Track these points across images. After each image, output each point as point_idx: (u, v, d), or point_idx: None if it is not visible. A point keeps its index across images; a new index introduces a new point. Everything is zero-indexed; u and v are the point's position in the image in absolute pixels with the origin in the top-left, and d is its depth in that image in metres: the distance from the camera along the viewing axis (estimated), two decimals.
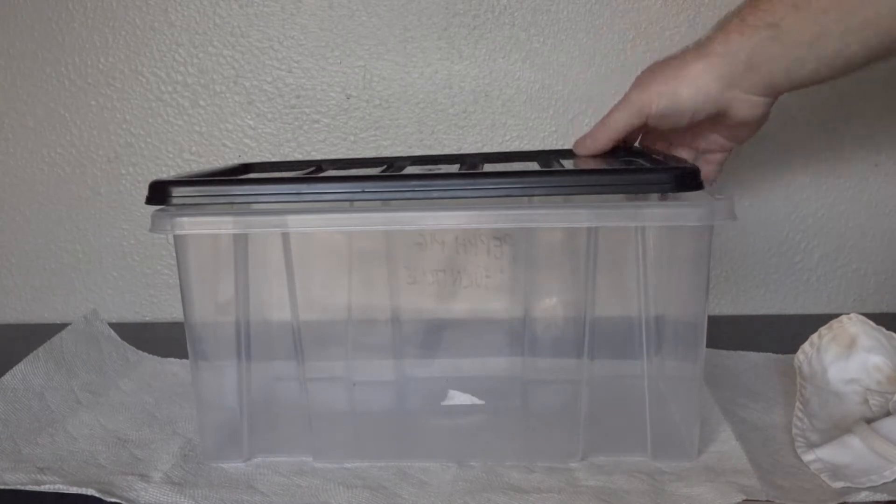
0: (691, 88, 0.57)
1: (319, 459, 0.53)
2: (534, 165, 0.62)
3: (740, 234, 0.82)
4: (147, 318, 0.87)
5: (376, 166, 0.63)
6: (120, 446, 0.56)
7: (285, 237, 0.52)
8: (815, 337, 0.58)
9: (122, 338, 0.73)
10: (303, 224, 0.49)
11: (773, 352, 0.69)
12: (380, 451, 0.54)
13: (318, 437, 0.54)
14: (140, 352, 0.72)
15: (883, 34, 0.53)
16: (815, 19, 0.54)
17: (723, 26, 0.57)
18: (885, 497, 0.46)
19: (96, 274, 0.86)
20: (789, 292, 0.84)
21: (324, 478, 0.51)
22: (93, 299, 0.86)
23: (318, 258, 0.58)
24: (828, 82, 0.58)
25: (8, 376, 0.62)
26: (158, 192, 0.50)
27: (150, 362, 0.71)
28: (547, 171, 0.51)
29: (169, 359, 0.72)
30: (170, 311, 0.86)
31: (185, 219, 0.49)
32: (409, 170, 0.59)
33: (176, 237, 0.51)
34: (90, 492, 0.49)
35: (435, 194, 0.48)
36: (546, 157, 0.65)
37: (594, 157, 0.62)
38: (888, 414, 0.52)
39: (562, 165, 0.59)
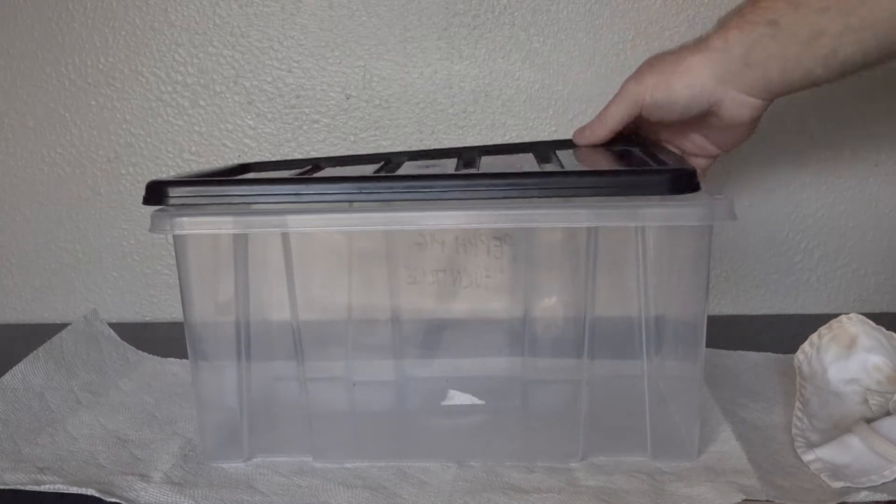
0: (686, 81, 0.57)
1: (319, 459, 0.53)
2: (530, 157, 0.62)
3: (740, 234, 0.82)
4: (147, 318, 0.87)
5: (374, 163, 0.63)
6: (120, 446, 0.56)
7: (285, 237, 0.52)
8: (814, 337, 0.58)
9: (122, 338, 0.72)
10: (303, 224, 0.49)
11: (773, 352, 0.69)
12: (380, 451, 0.54)
13: (318, 437, 0.54)
14: (140, 352, 0.72)
15: (880, 36, 0.53)
16: (814, 18, 0.54)
17: (723, 24, 0.57)
18: (885, 497, 0.46)
19: (96, 274, 0.86)
20: (789, 292, 0.84)
21: (324, 478, 0.51)
22: (93, 299, 0.86)
23: (318, 258, 0.58)
24: (825, 86, 0.58)
25: (8, 376, 0.62)
26: (156, 193, 0.50)
27: (150, 362, 0.71)
28: (545, 173, 0.51)
29: (169, 359, 0.72)
30: (170, 311, 0.86)
31: (184, 219, 0.49)
32: (407, 170, 0.59)
33: (176, 237, 0.51)
34: (90, 492, 0.49)
35: (433, 195, 0.48)
36: (544, 148, 0.65)
37: (593, 146, 0.62)
38: (888, 414, 0.52)
39: (559, 158, 0.60)
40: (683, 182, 0.47)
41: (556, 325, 0.59)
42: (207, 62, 0.81)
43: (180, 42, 0.81)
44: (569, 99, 0.80)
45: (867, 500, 0.46)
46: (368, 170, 0.60)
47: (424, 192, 0.48)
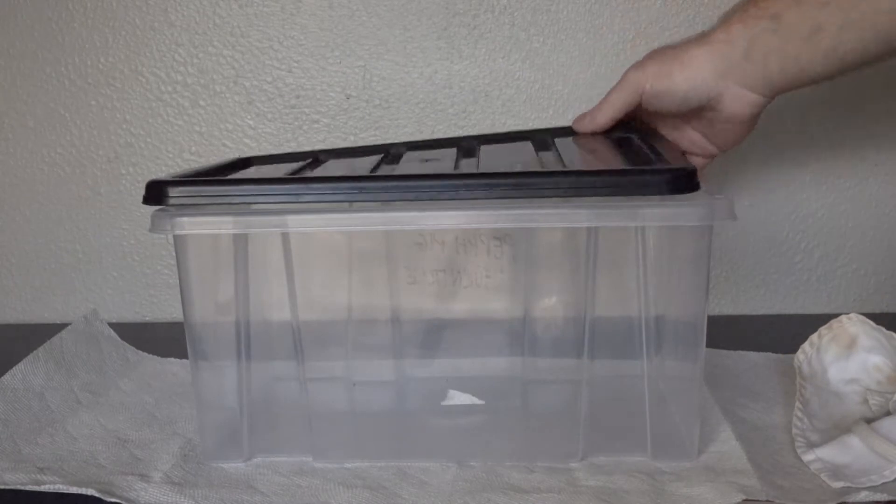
0: (687, 73, 0.57)
1: (319, 459, 0.53)
2: (529, 147, 0.62)
3: (740, 234, 0.82)
4: (147, 318, 0.87)
5: (373, 154, 0.63)
6: (120, 446, 0.56)
7: (285, 237, 0.52)
8: (815, 337, 0.58)
9: (122, 338, 0.72)
10: (303, 224, 0.49)
11: (773, 352, 0.69)
12: (380, 451, 0.54)
13: (318, 437, 0.54)
14: (140, 352, 0.72)
15: (880, 32, 0.53)
16: (814, 13, 0.54)
17: (726, 18, 0.58)
18: (884, 497, 0.46)
19: (96, 274, 0.86)
20: (789, 292, 0.84)
21: (324, 478, 0.51)
22: (93, 299, 0.86)
23: (318, 258, 0.58)
24: (827, 83, 0.58)
25: (8, 376, 0.62)
26: (155, 192, 0.50)
27: (150, 362, 0.71)
28: (543, 173, 0.51)
29: (169, 359, 0.72)
30: (170, 311, 0.86)
31: (184, 219, 0.49)
32: (407, 167, 0.59)
33: (176, 237, 0.51)
34: (90, 492, 0.49)
35: (431, 195, 0.48)
36: (542, 136, 0.65)
37: (592, 134, 0.63)
38: (888, 414, 0.52)
39: (557, 148, 0.60)
40: (683, 182, 0.47)
41: (556, 325, 0.59)
42: (207, 62, 0.81)
43: (180, 42, 0.81)
44: (569, 99, 0.80)
45: (867, 500, 0.46)
46: (368, 163, 0.60)
47: (423, 192, 0.48)
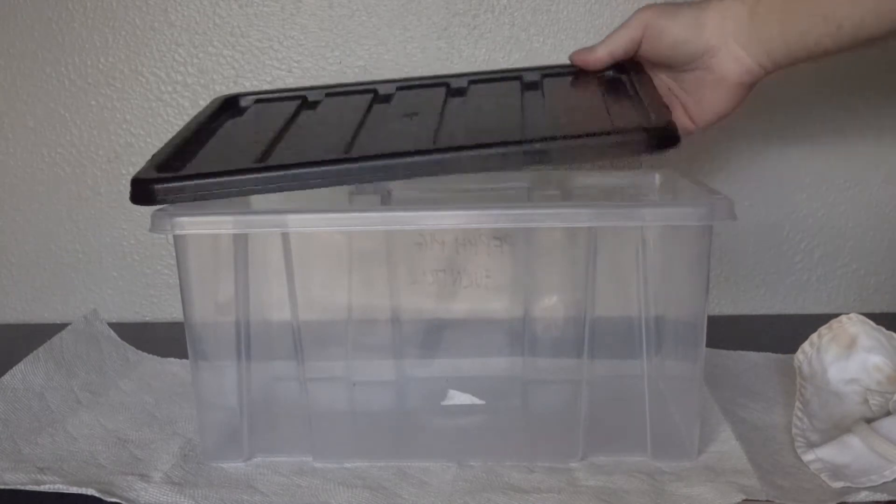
0: (692, 14, 0.58)
1: (319, 459, 0.53)
2: (516, 87, 0.63)
3: (740, 234, 0.82)
4: (147, 318, 0.87)
5: (362, 94, 0.64)
6: (120, 446, 0.56)
7: (285, 237, 0.52)
8: (815, 337, 0.58)
9: (122, 338, 0.72)
10: (303, 224, 0.49)
11: (773, 352, 0.69)
12: (380, 451, 0.54)
13: (318, 437, 0.54)
14: (140, 352, 0.72)
15: (881, 9, 0.53)
16: None
17: None
18: (884, 497, 0.46)
19: (96, 274, 0.86)
20: (789, 292, 0.84)
21: (324, 478, 0.51)
22: (93, 299, 0.86)
23: (318, 258, 0.58)
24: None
25: (8, 376, 0.62)
26: (140, 190, 0.51)
27: (150, 362, 0.71)
28: (518, 142, 0.51)
29: (169, 359, 0.72)
30: (170, 311, 0.86)
31: (185, 219, 0.49)
32: (378, 148, 0.58)
33: (176, 237, 0.51)
34: (90, 492, 0.49)
35: (402, 174, 0.49)
36: (532, 76, 0.65)
37: (585, 74, 0.63)
38: (888, 414, 0.52)
39: (543, 90, 0.61)
40: (663, 140, 0.48)
41: (556, 325, 0.59)
42: (207, 62, 0.81)
43: (180, 42, 0.81)
44: None
45: (867, 500, 0.46)
46: (361, 103, 0.61)
47: (392, 171, 0.49)
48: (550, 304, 0.59)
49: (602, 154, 0.49)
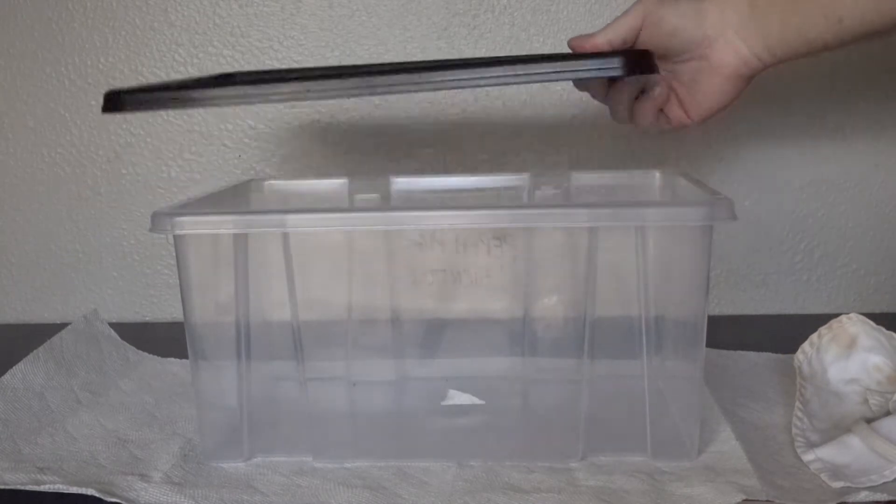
0: (691, 5, 0.57)
1: (319, 459, 0.53)
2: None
3: (740, 234, 0.82)
4: (147, 318, 0.87)
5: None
6: (120, 446, 0.56)
7: (285, 237, 0.52)
8: (815, 337, 0.58)
9: (122, 338, 0.73)
10: (303, 224, 0.49)
11: (773, 352, 0.69)
12: (380, 451, 0.54)
13: (318, 437, 0.54)
14: (140, 352, 0.72)
15: (881, 3, 0.53)
16: None
17: None
18: (884, 497, 0.46)
19: (96, 274, 0.86)
20: (789, 292, 0.84)
21: (324, 478, 0.51)
22: (93, 299, 0.86)
23: (318, 258, 0.58)
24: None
25: (8, 376, 0.62)
26: (112, 99, 0.51)
27: (150, 362, 0.71)
28: (493, 61, 0.51)
29: (169, 359, 0.72)
30: (170, 311, 0.86)
31: (185, 218, 0.49)
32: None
33: (176, 237, 0.51)
34: (90, 492, 0.49)
35: (381, 91, 0.50)
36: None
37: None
38: (888, 414, 0.52)
39: None
40: (639, 64, 0.49)
41: (556, 325, 0.59)
42: (207, 62, 0.81)
43: (180, 42, 0.81)
44: (568, 99, 0.80)
45: (867, 500, 0.46)
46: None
47: (372, 87, 0.50)
48: (550, 304, 0.59)
49: (581, 74, 0.51)
